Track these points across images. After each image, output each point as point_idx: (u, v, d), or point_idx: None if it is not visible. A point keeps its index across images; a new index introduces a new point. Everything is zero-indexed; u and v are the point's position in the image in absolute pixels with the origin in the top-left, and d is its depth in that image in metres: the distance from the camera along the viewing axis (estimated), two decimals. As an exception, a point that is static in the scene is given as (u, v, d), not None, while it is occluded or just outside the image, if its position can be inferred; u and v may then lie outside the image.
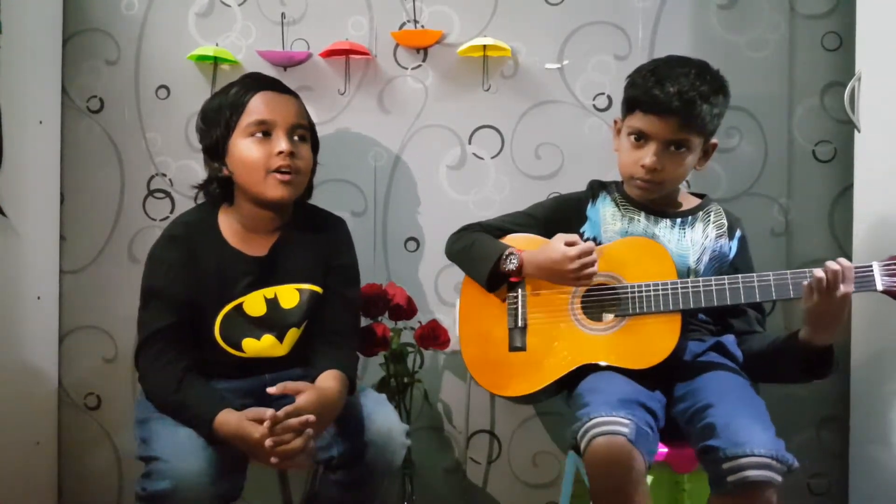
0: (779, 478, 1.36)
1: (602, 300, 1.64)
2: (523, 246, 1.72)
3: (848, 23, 1.99)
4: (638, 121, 1.64)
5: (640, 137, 1.64)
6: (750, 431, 1.37)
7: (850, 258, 1.89)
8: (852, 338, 1.88)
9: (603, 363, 1.58)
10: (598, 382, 1.53)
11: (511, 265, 1.66)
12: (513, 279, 1.69)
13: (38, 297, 2.06)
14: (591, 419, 1.41)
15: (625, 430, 1.37)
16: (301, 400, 1.50)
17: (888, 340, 1.79)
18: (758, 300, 1.53)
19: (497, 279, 1.70)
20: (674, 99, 1.59)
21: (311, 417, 1.47)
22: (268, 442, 1.44)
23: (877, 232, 1.82)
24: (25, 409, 2.02)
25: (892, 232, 1.77)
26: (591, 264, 1.59)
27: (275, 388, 1.51)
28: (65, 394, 2.16)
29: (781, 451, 1.37)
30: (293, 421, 1.46)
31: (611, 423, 1.39)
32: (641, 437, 1.39)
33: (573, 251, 1.59)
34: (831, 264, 1.44)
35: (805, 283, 1.46)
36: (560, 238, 1.63)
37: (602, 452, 1.37)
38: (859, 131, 1.86)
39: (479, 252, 1.73)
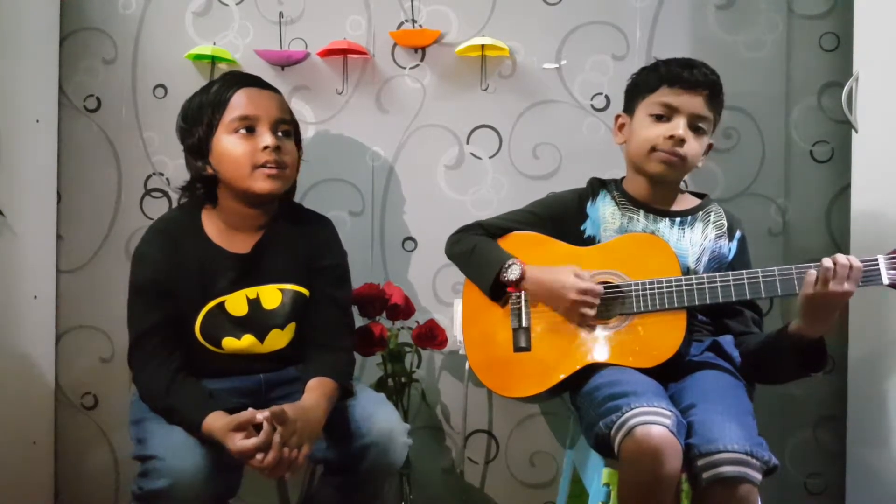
0: (756, 474, 1.34)
1: (606, 298, 1.63)
2: (526, 245, 1.72)
3: (846, 23, 1.99)
4: (665, 96, 1.66)
5: (664, 115, 1.66)
6: (723, 428, 1.37)
7: (847, 258, 1.90)
8: (849, 338, 1.89)
9: (610, 363, 1.57)
10: (618, 375, 1.51)
11: (512, 275, 1.65)
12: (511, 290, 1.67)
13: (35, 297, 2.06)
14: (631, 409, 1.38)
15: (667, 420, 1.36)
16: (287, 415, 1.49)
17: (885, 340, 1.80)
18: (763, 296, 1.52)
19: (500, 287, 1.69)
20: (703, 75, 1.65)
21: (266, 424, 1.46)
22: (258, 457, 1.45)
23: (874, 232, 1.82)
24: (22, 409, 2.01)
25: (890, 232, 1.77)
26: (592, 305, 1.58)
27: (266, 413, 1.48)
28: (61, 393, 2.16)
29: (758, 447, 1.36)
30: (261, 436, 1.45)
31: (653, 412, 1.37)
32: (681, 430, 1.38)
33: (582, 284, 1.59)
34: (841, 259, 1.43)
35: (811, 271, 1.45)
36: (572, 268, 1.62)
37: (644, 443, 1.34)
38: (857, 131, 1.86)
39: (480, 260, 1.71)
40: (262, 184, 1.64)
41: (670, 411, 1.38)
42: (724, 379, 1.55)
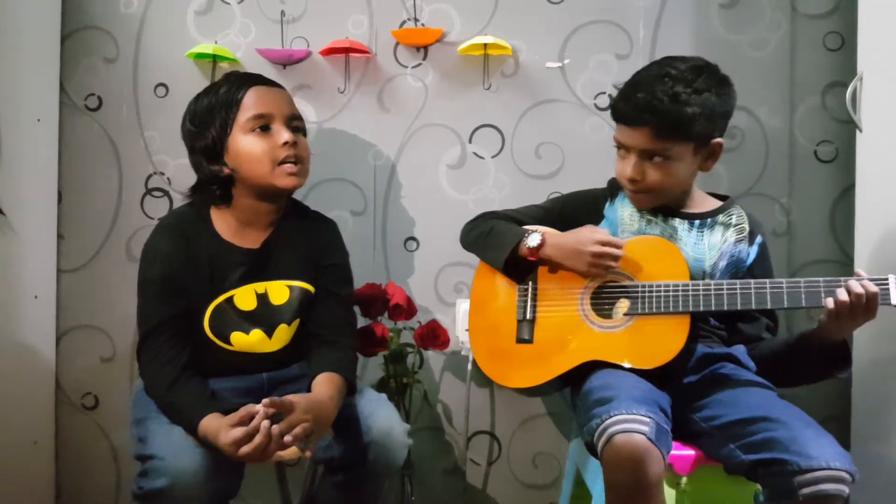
0: (847, 490, 1.35)
1: (612, 297, 1.63)
2: None
3: (849, 22, 1.98)
4: (617, 132, 1.65)
5: (622, 148, 1.65)
6: (818, 444, 1.37)
7: (851, 259, 1.90)
8: (855, 338, 1.87)
9: (609, 361, 1.57)
10: (610, 379, 1.51)
11: (533, 242, 1.65)
12: (531, 258, 1.66)
13: (36, 297, 2.06)
14: (610, 416, 1.38)
15: (645, 428, 1.36)
16: (294, 403, 1.49)
17: (890, 340, 1.79)
18: (769, 306, 1.52)
19: (514, 264, 1.69)
20: (642, 110, 1.57)
21: (262, 409, 1.46)
22: (251, 444, 1.44)
23: (879, 233, 1.81)
24: (22, 409, 2.01)
25: (894, 232, 1.76)
26: (613, 257, 1.59)
27: (265, 400, 1.47)
28: (62, 393, 2.15)
29: (852, 464, 1.37)
30: (258, 422, 1.45)
31: (631, 420, 1.37)
32: (661, 436, 1.38)
33: (601, 236, 1.60)
34: (855, 288, 1.43)
35: (830, 304, 1.45)
36: (589, 226, 1.65)
37: (622, 451, 1.35)
38: (861, 131, 1.85)
39: (497, 236, 1.72)
40: (284, 180, 1.67)
41: (649, 417, 1.38)
42: (772, 393, 1.55)
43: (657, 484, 1.37)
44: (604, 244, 1.59)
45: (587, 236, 1.62)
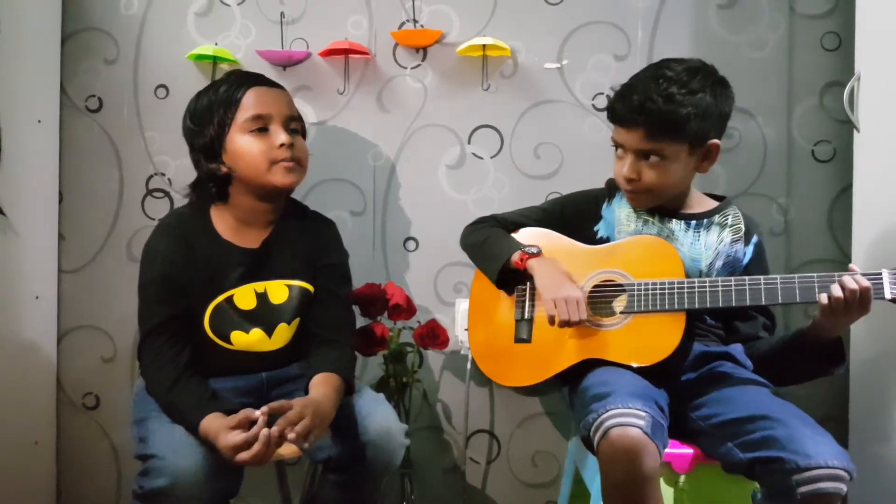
0: (845, 488, 1.36)
1: (608, 296, 1.64)
2: (535, 239, 1.73)
3: (847, 23, 1.98)
4: (614, 132, 1.67)
5: (619, 148, 1.66)
6: (816, 443, 1.37)
7: (849, 258, 1.90)
8: (852, 337, 1.88)
9: (606, 359, 1.58)
10: (607, 376, 1.52)
11: (532, 248, 1.68)
12: (520, 265, 1.68)
13: (37, 297, 2.06)
14: (606, 410, 1.39)
15: (641, 421, 1.37)
16: (293, 406, 1.50)
17: (888, 340, 1.79)
18: (763, 302, 1.52)
19: (507, 277, 1.71)
20: (634, 110, 1.59)
21: (261, 417, 1.46)
22: (250, 451, 1.44)
23: (876, 232, 1.81)
24: (24, 409, 2.01)
25: (892, 232, 1.77)
26: (571, 317, 1.58)
27: (263, 407, 1.48)
28: (63, 394, 2.16)
29: (850, 462, 1.37)
30: (258, 428, 1.46)
31: (627, 414, 1.38)
32: (657, 430, 1.38)
33: (581, 301, 1.59)
34: (849, 284, 1.43)
35: (824, 300, 1.45)
36: (576, 286, 1.63)
37: (617, 444, 1.36)
38: (858, 131, 1.86)
39: (490, 249, 1.74)
40: (281, 178, 1.68)
41: (645, 412, 1.39)
42: (769, 391, 1.56)
43: (653, 477, 1.37)
44: (577, 305, 1.58)
45: (574, 292, 1.60)
